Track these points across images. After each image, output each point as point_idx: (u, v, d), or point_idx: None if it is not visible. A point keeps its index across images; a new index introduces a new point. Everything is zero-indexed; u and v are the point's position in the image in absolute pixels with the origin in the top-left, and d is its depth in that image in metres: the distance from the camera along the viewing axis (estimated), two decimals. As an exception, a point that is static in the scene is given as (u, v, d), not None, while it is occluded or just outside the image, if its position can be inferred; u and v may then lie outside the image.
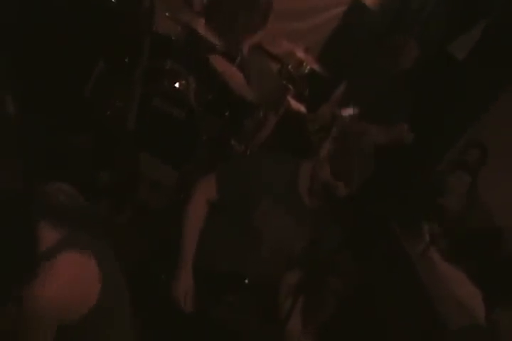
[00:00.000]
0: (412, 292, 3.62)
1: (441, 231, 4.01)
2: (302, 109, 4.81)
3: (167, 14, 4.34)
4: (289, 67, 4.82)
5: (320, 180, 2.55)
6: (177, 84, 4.03)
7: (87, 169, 3.08)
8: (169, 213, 2.82)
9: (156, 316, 2.64)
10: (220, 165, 2.82)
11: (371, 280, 3.73)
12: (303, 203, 2.65)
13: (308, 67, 4.95)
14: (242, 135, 4.21)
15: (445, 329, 3.18)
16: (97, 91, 3.47)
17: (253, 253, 2.67)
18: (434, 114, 5.15)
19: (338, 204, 2.63)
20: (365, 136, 3.53)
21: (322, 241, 2.70)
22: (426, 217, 4.15)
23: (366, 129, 4.22)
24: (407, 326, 3.40)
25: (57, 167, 2.92)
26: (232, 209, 2.65)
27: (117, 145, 3.33)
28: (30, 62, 3.24)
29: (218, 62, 4.39)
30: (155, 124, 3.75)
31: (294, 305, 2.52)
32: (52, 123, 3.03)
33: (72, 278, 1.63)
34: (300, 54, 4.84)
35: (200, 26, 4.53)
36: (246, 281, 2.69)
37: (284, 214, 2.64)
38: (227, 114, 4.11)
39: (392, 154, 4.24)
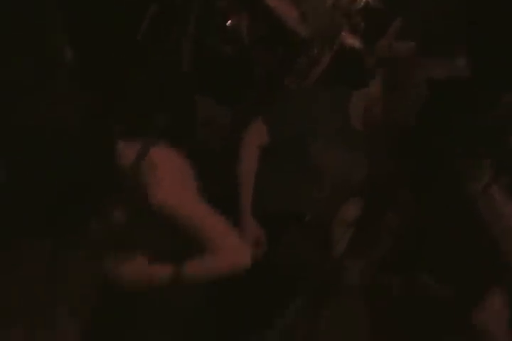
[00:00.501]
0: (472, 229, 3.60)
1: (505, 168, 3.92)
2: (357, 43, 4.72)
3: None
4: (344, 1, 4.70)
5: (373, 112, 2.55)
6: (229, 22, 4.01)
7: (144, 112, 3.12)
8: (226, 154, 2.84)
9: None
10: (270, 106, 2.81)
11: (429, 217, 3.71)
12: (358, 136, 2.65)
13: (363, 1, 4.83)
14: (295, 72, 4.17)
15: (508, 268, 3.17)
16: (151, 34, 3.47)
17: (312, 191, 2.69)
18: (496, 47, 4.97)
19: (395, 136, 2.61)
20: (421, 69, 3.50)
21: (380, 175, 2.73)
22: (489, 153, 4.06)
23: (422, 63, 4.13)
24: (466, 265, 3.40)
25: (115, 109, 2.97)
26: (286, 149, 2.66)
27: (173, 87, 3.35)
28: (85, 9, 3.26)
29: (270, -3, 4.34)
30: (208, 63, 3.73)
31: (351, 240, 2.57)
32: (107, 69, 3.06)
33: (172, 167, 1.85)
34: (353, -13, 4.73)
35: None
36: (306, 219, 2.73)
37: (340, 148, 2.64)
38: (280, 50, 4.08)
39: (453, 87, 4.15)
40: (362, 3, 4.82)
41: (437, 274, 3.33)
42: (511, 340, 2.49)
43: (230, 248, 1.87)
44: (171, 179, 1.84)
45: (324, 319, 3.21)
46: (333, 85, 3.49)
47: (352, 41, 4.67)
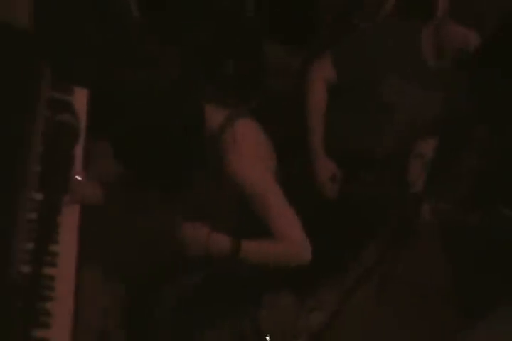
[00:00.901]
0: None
1: None
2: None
3: None
4: None
5: (445, 39, 2.45)
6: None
7: (213, 60, 3.14)
8: (295, 99, 2.82)
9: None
10: (337, 44, 2.72)
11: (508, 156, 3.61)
12: (431, 72, 2.56)
13: None
14: (365, 10, 4.07)
15: None
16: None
17: (386, 128, 2.65)
18: None
19: (469, 65, 2.53)
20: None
21: (455, 112, 2.66)
22: None
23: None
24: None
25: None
26: (356, 87, 2.60)
27: (240, 33, 3.34)
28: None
29: None
30: (274, 7, 3.69)
31: (428, 177, 2.54)
32: (173, 20, 3.08)
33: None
34: None
35: None
36: (380, 157, 2.71)
37: (413, 85, 2.56)
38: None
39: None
40: None
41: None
42: None
43: (294, 240, 1.82)
44: (251, 153, 1.82)
45: (403, 258, 3.20)
46: (403, 19, 3.38)
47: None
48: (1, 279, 1.38)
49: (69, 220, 1.85)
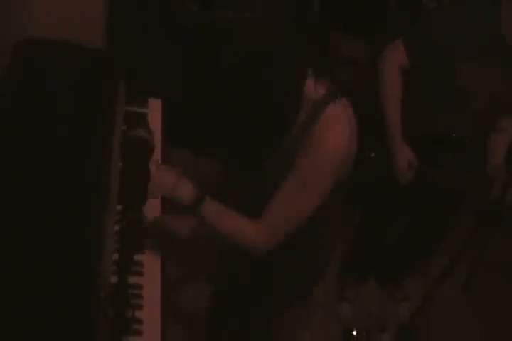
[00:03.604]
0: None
1: None
2: None
3: None
4: None
5: None
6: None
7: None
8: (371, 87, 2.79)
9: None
10: (409, 28, 2.64)
11: None
12: (508, 47, 2.44)
13: None
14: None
15: None
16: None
17: (463, 112, 2.60)
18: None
19: None
20: None
21: None
22: None
23: None
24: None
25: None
26: (432, 70, 2.55)
27: (307, 26, 3.34)
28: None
29: None
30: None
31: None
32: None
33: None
34: None
35: None
36: (458, 140, 2.66)
37: (492, 65, 2.47)
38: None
39: None
40: None
41: None
42: None
43: (265, 229, 1.77)
44: (342, 135, 1.74)
45: (491, 244, 3.15)
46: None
47: None
48: (93, 290, 1.45)
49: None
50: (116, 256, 1.67)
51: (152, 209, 1.97)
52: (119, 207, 1.77)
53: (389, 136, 2.62)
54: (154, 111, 2.25)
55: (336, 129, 1.73)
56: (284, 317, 2.24)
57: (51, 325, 1.31)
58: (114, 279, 1.64)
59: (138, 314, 1.68)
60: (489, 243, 3.16)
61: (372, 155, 2.79)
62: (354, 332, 3.05)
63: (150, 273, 1.82)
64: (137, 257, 1.80)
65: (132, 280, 1.72)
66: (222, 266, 2.38)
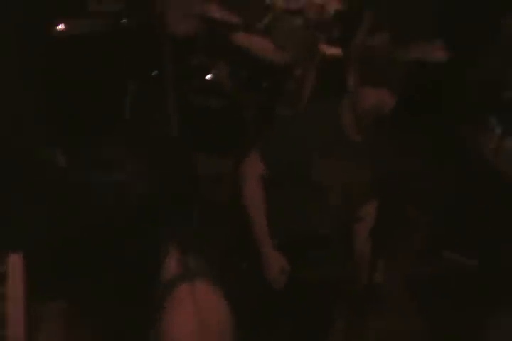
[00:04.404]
0: (498, 186, 3.59)
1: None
2: (338, 51, 4.81)
3: (180, 14, 4.52)
4: (310, 15, 4.82)
5: (361, 106, 2.56)
6: (209, 76, 4.22)
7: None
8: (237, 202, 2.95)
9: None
10: (262, 138, 2.85)
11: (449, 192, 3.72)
12: (354, 142, 2.67)
13: (332, 9, 4.93)
14: (287, 99, 4.30)
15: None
16: (136, 111, 3.71)
17: (324, 208, 2.74)
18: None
19: (390, 125, 2.62)
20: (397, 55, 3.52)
21: (388, 173, 2.78)
22: (492, 111, 4.03)
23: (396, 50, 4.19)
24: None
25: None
26: (289, 173, 2.68)
27: (171, 154, 3.51)
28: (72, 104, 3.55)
29: (242, 39, 4.51)
30: (199, 121, 3.91)
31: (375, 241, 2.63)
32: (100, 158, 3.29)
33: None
34: (317, -1, 4.86)
35: (215, 11, 4.66)
36: (327, 237, 2.79)
37: (341, 161, 2.66)
38: (266, 85, 4.23)
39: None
40: (332, 12, 4.94)
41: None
42: None
43: None
44: None
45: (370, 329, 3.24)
46: (323, 100, 3.55)
47: (332, 50, 4.78)
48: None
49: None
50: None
51: None
52: None
53: (258, 245, 2.69)
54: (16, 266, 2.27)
55: None
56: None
57: None
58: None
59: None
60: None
61: (244, 266, 2.85)
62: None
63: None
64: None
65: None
66: None
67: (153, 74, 3.95)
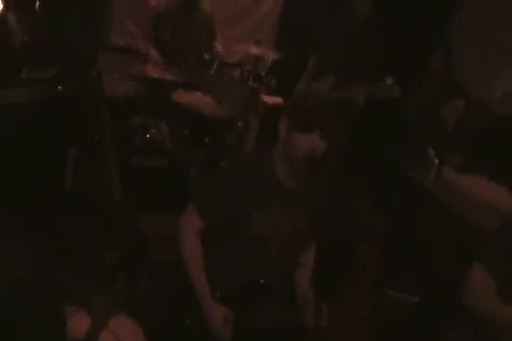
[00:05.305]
0: (440, 218, 3.61)
1: (448, 148, 3.94)
2: (279, 100, 4.84)
3: (116, 76, 4.54)
4: (248, 67, 4.87)
5: (292, 151, 2.55)
6: (148, 135, 4.21)
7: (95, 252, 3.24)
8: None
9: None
10: (199, 191, 2.83)
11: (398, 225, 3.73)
12: (289, 189, 2.65)
13: (270, 59, 4.99)
14: (230, 152, 4.31)
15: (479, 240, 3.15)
16: (77, 178, 3.66)
17: (265, 258, 2.72)
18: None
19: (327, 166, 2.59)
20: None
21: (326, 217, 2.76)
22: (429, 143, 4.07)
23: (344, 94, 4.24)
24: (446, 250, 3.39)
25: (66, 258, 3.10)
26: (226, 227, 2.67)
27: (117, 219, 3.47)
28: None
29: (181, 96, 4.52)
30: (143, 181, 3.89)
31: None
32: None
33: None
34: (254, 50, 4.88)
35: (152, 71, 4.69)
36: (271, 285, 2.73)
37: (277, 209, 2.64)
38: (207, 139, 4.23)
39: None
40: (269, 62, 4.98)
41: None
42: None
43: None
44: None
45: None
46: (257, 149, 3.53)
47: (272, 100, 4.82)
48: None
49: None
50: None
51: None
52: None
53: (199, 299, 2.65)
54: None
55: None
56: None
57: None
58: None
59: None
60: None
61: (188, 322, 2.80)
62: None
63: None
64: None
65: None
66: None
67: (94, 138, 3.91)
